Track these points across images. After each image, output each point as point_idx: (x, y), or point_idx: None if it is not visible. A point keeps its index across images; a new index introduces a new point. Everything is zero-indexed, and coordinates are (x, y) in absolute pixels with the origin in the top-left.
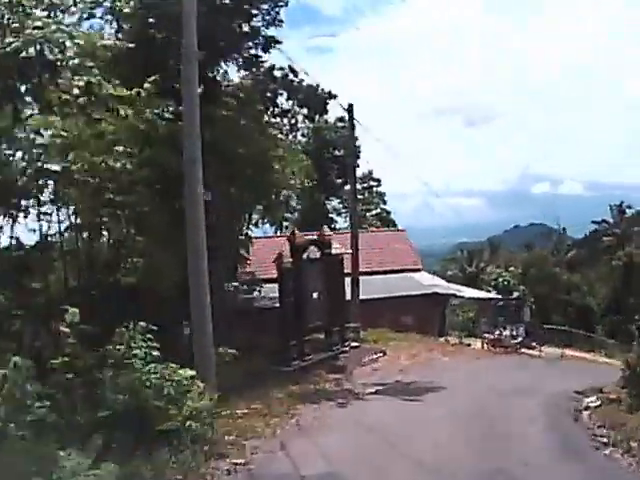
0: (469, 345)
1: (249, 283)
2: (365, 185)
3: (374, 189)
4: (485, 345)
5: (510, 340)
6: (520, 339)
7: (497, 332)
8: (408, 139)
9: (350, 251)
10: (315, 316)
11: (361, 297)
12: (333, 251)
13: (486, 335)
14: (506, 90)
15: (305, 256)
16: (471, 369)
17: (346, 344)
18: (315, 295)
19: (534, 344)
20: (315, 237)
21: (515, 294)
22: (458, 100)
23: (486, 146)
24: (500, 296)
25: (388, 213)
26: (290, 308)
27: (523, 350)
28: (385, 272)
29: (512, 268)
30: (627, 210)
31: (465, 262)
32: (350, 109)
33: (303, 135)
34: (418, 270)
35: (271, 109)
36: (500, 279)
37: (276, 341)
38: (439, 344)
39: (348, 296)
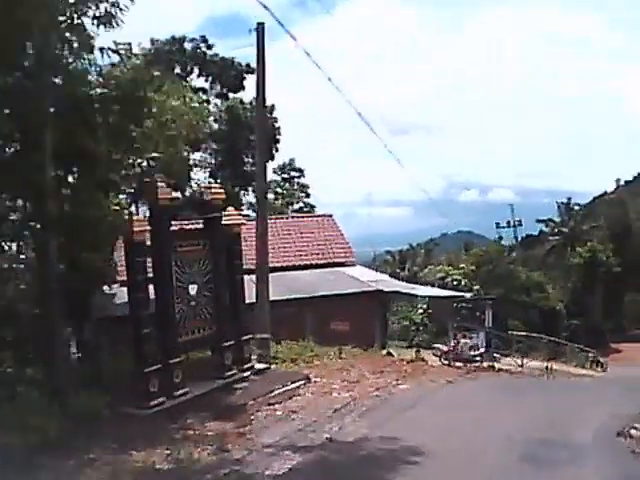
0: (423, 360)
1: None
2: (285, 176)
3: (295, 180)
4: (441, 359)
5: (469, 352)
6: (482, 350)
7: (453, 342)
8: (333, 149)
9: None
10: (193, 324)
11: (274, 298)
12: (226, 221)
13: (440, 346)
14: (435, 101)
15: (176, 226)
16: (451, 404)
17: (247, 367)
18: (193, 290)
19: (498, 355)
20: (194, 194)
21: (468, 295)
22: (386, 110)
23: (413, 156)
24: (469, 295)
25: (312, 207)
26: (146, 310)
27: (486, 364)
28: (309, 266)
29: (463, 265)
30: (575, 207)
31: (397, 266)
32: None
33: (215, 120)
34: (352, 264)
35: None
36: (449, 278)
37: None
38: (388, 361)
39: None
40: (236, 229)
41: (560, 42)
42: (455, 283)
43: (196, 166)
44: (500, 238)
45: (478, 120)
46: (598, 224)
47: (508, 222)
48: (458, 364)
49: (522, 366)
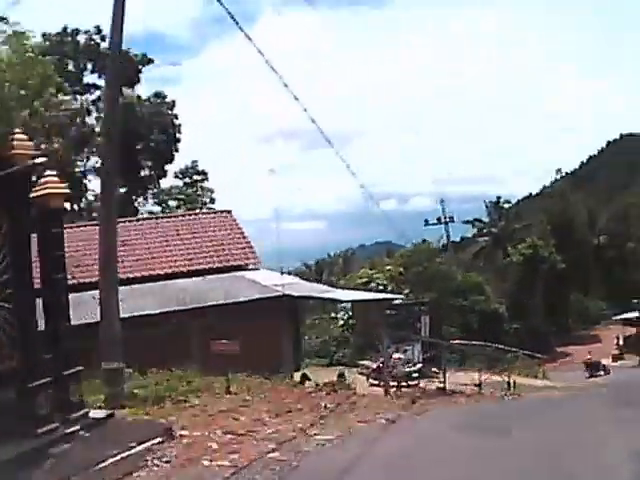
0: (349, 387)
1: None
2: (188, 180)
3: (199, 184)
4: (369, 379)
5: (404, 368)
6: (419, 365)
7: (383, 357)
8: (246, 164)
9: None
10: None
11: (149, 311)
12: (39, 191)
13: (367, 363)
14: (350, 111)
15: None
16: (405, 473)
17: (76, 416)
18: None
19: (436, 370)
20: None
21: (399, 299)
22: (302, 124)
23: (329, 168)
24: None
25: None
26: None
27: (435, 386)
28: (202, 272)
29: (389, 267)
30: (505, 206)
31: (314, 277)
32: None
33: None
34: (255, 267)
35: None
36: (373, 283)
37: None
38: (300, 392)
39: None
40: (55, 203)
41: (481, 44)
42: (381, 288)
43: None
44: (423, 241)
45: (395, 129)
46: (530, 223)
47: (438, 219)
48: (392, 384)
49: (480, 385)
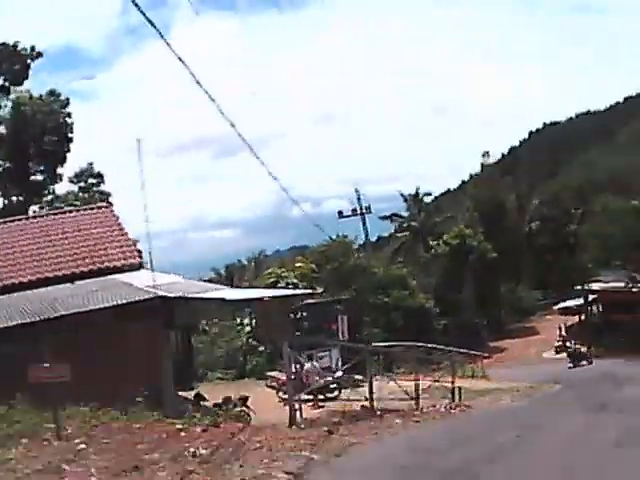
0: (245, 411)
1: None
2: (83, 184)
3: (94, 188)
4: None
5: (319, 379)
6: (339, 373)
7: (294, 367)
8: (157, 177)
9: None
10: None
11: None
12: None
13: (276, 374)
14: (260, 118)
15: None
16: None
17: None
18: None
19: (360, 378)
20: None
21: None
22: (211, 132)
23: (242, 175)
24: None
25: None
26: None
27: (360, 405)
28: (72, 277)
29: (300, 264)
30: (425, 197)
31: (224, 283)
32: None
33: None
34: (136, 267)
35: None
36: (282, 282)
37: None
38: (163, 430)
39: None
40: None
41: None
42: (291, 287)
43: None
44: (338, 236)
45: (312, 131)
46: (452, 215)
47: (354, 210)
48: (305, 398)
49: (417, 399)
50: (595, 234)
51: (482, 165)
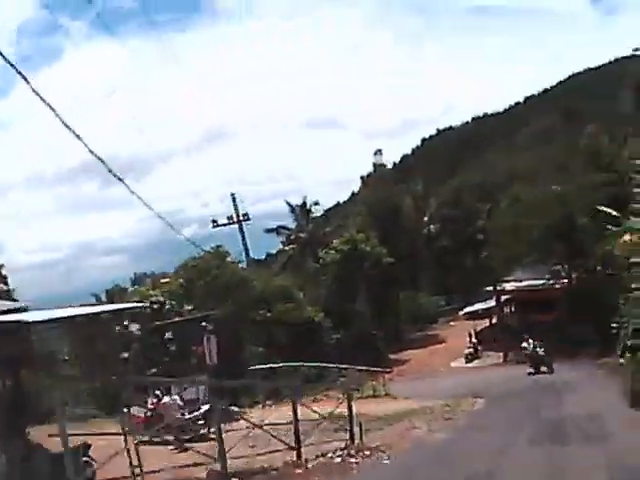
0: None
1: None
2: None
3: None
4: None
5: (182, 415)
6: (205, 407)
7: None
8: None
9: None
10: None
11: None
12: None
13: (136, 410)
14: (137, 144)
15: None
16: None
17: None
18: None
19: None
20: None
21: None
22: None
23: (128, 202)
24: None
25: None
26: None
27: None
28: None
29: (166, 280)
30: (314, 208)
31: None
32: None
33: None
34: None
35: None
36: (146, 301)
37: None
38: None
39: None
40: None
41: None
42: (156, 307)
43: None
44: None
45: (195, 152)
46: (343, 225)
47: (229, 217)
48: (167, 438)
49: (299, 448)
50: (507, 229)
51: (374, 165)
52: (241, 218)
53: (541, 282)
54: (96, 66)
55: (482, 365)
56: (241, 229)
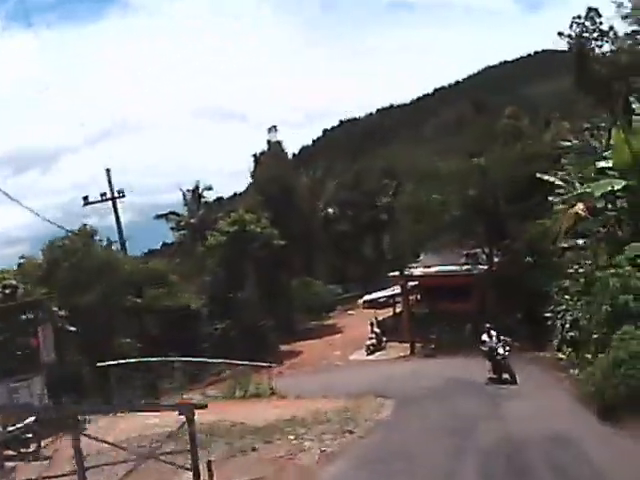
0: None
1: None
2: None
3: None
4: None
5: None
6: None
7: None
8: None
9: None
10: None
11: None
12: None
13: None
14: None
15: None
16: None
17: None
18: None
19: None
20: None
21: None
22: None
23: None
24: None
25: None
26: None
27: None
28: None
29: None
30: (206, 193)
31: None
32: None
33: None
34: None
35: None
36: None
37: None
38: None
39: None
40: None
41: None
42: (8, 292)
43: None
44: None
45: (100, 143)
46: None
47: (103, 194)
48: None
49: None
50: (416, 206)
51: (269, 142)
52: (116, 195)
53: (456, 267)
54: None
55: (386, 358)
56: (115, 207)
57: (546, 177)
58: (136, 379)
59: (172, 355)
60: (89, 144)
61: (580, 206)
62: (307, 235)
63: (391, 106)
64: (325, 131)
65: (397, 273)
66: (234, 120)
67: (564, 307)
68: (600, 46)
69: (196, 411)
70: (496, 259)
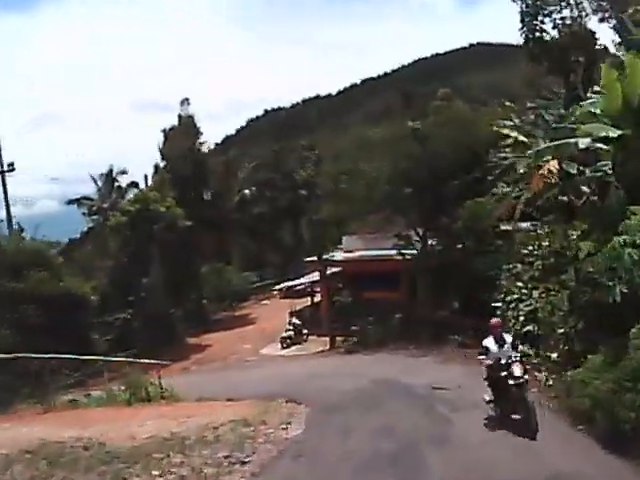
0: None
1: None
2: None
3: None
4: None
5: None
6: None
7: None
8: None
9: None
10: None
11: None
12: None
13: None
14: None
15: None
16: None
17: None
18: None
19: None
20: None
21: None
22: None
23: None
24: None
25: None
26: None
27: None
28: None
29: None
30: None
31: None
32: None
33: None
34: None
35: None
36: None
37: None
38: None
39: None
40: None
41: None
42: None
43: None
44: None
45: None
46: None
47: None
48: None
49: None
50: (340, 180)
51: (179, 117)
52: (5, 169)
53: (383, 252)
54: None
55: (303, 353)
56: (3, 181)
57: (505, 131)
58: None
59: (57, 350)
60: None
61: (554, 164)
62: (220, 217)
63: (317, 96)
64: (249, 121)
65: (315, 258)
66: (167, 112)
67: (516, 296)
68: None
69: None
70: (432, 242)
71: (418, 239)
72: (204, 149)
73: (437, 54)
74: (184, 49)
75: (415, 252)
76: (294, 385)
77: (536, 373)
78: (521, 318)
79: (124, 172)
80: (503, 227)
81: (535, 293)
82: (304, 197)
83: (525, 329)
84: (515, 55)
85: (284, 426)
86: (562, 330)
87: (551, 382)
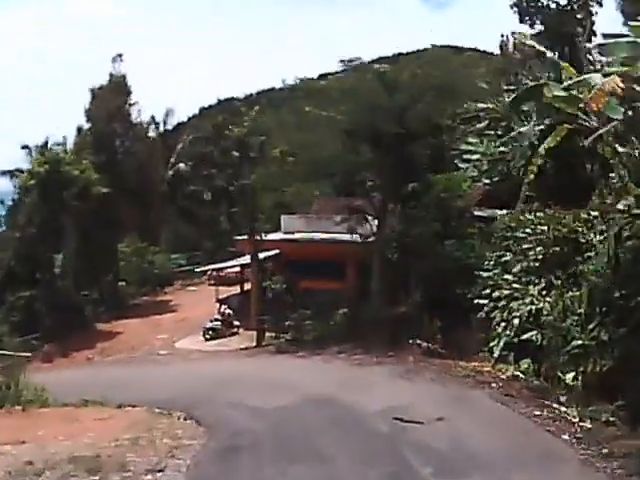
0: None
1: None
2: None
3: None
4: None
5: None
6: None
7: None
8: None
9: None
10: None
11: None
12: None
13: None
14: None
15: None
16: None
17: None
18: None
19: None
20: None
21: None
22: None
23: None
24: None
25: None
26: None
27: None
28: None
29: None
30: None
31: None
32: None
33: None
34: None
35: None
36: None
37: None
38: None
39: None
40: None
41: None
42: None
43: None
44: None
45: None
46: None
47: None
48: None
49: None
50: (287, 143)
51: (110, 75)
52: None
53: (328, 235)
54: None
55: (224, 348)
56: None
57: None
58: None
59: None
60: None
61: (617, 81)
62: (147, 190)
63: (272, 88)
64: (202, 109)
65: (245, 237)
66: None
67: (507, 292)
68: None
69: None
70: (393, 219)
71: (375, 214)
72: (134, 111)
73: (399, 54)
74: (144, 35)
75: (369, 234)
76: (201, 394)
77: (554, 404)
78: (516, 321)
79: (60, 144)
80: (477, 213)
81: (533, 289)
82: (237, 160)
83: (523, 337)
84: None
85: (166, 459)
86: (580, 342)
87: (589, 425)
